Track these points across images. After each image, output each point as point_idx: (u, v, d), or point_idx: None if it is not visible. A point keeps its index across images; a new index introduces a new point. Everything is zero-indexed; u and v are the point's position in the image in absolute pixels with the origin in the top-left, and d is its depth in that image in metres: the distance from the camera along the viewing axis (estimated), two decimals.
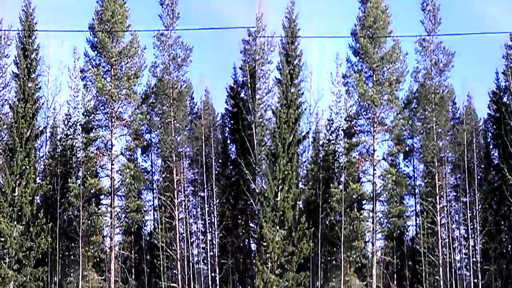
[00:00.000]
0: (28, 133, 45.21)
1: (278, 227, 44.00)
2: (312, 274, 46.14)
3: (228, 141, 57.77)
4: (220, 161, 55.62)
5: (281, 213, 44.31)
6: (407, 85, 53.42)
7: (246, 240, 56.56)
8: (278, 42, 51.99)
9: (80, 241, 47.91)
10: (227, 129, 58.30)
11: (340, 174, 51.82)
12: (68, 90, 54.16)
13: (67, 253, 50.79)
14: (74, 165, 51.44)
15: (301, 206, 49.33)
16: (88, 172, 49.73)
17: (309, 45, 64.83)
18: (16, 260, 42.93)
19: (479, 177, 51.46)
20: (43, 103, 49.73)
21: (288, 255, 43.50)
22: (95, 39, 50.48)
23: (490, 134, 56.24)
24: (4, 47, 48.86)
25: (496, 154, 54.69)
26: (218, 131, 56.79)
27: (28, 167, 43.91)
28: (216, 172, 53.06)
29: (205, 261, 53.26)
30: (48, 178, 48.57)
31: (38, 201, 47.97)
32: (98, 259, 50.49)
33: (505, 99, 54.14)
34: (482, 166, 53.65)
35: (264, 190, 45.55)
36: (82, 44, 51.35)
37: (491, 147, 55.60)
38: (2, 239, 42.64)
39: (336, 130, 54.54)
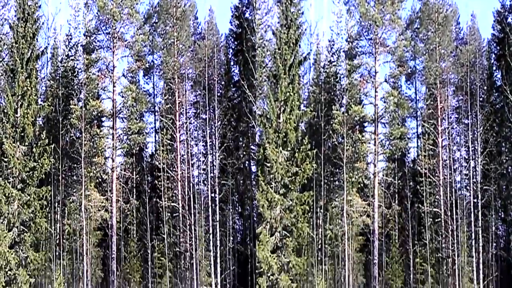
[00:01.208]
0: (29, 54, 44.51)
1: (281, 148, 44.02)
2: (315, 194, 46.49)
3: (232, 63, 57.45)
4: (222, 83, 55.47)
5: (283, 134, 44.22)
6: (409, 4, 53.02)
7: (247, 162, 56.82)
8: None
9: (83, 162, 48.04)
10: (231, 51, 57.89)
11: (342, 96, 51.73)
12: (69, 9, 53.66)
13: (69, 174, 51.03)
14: (75, 87, 51.25)
15: (303, 128, 49.34)
16: (90, 94, 49.50)
17: None
18: (20, 179, 43.02)
19: (481, 98, 51.45)
20: (43, 23, 48.84)
21: (291, 175, 43.57)
22: None
23: (493, 55, 56.03)
24: None
25: (499, 75, 54.58)
26: (221, 53, 56.46)
27: (29, 88, 43.52)
28: (219, 94, 52.93)
29: (205, 182, 53.55)
30: (49, 100, 48.25)
31: (40, 122, 47.87)
32: (100, 180, 50.80)
33: (509, 19, 53.75)
34: (485, 87, 53.65)
35: (267, 112, 45.42)
36: None
37: (494, 68, 55.48)
38: (6, 159, 42.65)
39: (337, 52, 54.29)
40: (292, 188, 43.31)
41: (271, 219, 43.22)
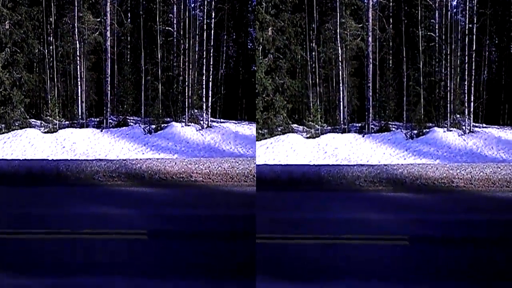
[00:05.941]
0: None
1: None
2: (307, 16, 46.22)
3: None
4: None
5: None
6: None
7: None
8: None
9: None
10: None
11: None
12: None
13: None
14: None
15: None
16: None
17: None
18: None
19: None
20: None
21: None
22: None
23: None
24: None
25: None
26: None
27: None
28: None
29: (202, 8, 53.01)
30: None
31: None
32: (93, 1, 50.22)
33: None
34: None
35: None
36: None
37: None
38: None
39: None
40: (283, 8, 43.01)
41: (263, 41, 43.26)
